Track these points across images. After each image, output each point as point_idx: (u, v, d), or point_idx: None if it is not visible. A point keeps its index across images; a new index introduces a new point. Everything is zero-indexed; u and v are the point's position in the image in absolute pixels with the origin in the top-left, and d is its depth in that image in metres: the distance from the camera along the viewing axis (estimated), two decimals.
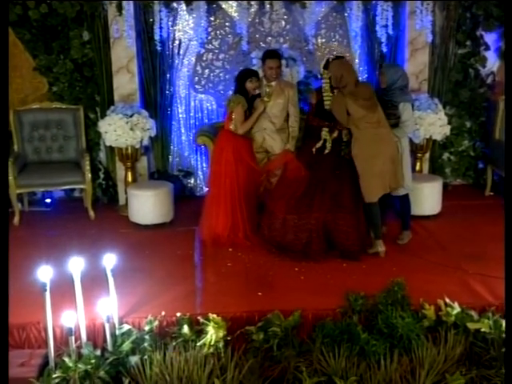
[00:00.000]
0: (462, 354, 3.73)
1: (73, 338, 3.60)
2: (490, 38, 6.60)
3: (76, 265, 3.74)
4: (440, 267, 4.69)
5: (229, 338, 3.79)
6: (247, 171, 5.25)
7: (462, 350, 3.73)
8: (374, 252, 4.95)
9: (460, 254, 4.96)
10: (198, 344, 3.72)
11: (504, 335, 3.77)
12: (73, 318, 3.60)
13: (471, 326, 3.84)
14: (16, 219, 5.84)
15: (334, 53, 5.37)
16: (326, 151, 5.15)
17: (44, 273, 3.58)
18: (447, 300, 3.98)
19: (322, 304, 4.06)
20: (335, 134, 5.13)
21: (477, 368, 3.68)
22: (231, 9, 6.39)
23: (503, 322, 3.83)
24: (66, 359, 3.56)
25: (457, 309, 3.93)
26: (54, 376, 3.50)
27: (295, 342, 3.80)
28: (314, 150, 5.17)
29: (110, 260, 3.89)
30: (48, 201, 6.43)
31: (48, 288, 3.58)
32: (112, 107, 6.01)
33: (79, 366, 3.52)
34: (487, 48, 6.62)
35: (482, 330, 3.83)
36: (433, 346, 3.69)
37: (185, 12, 6.18)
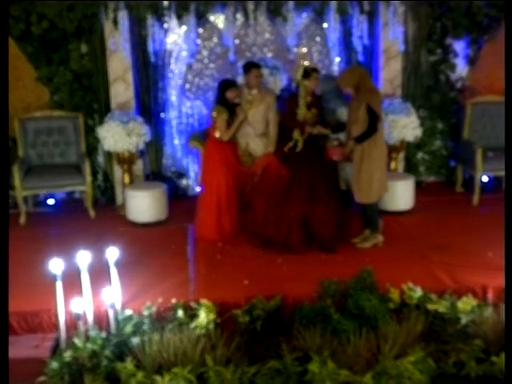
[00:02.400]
0: (422, 331, 4.14)
1: (81, 322, 4.03)
2: (458, 45, 7.02)
3: (83, 258, 4.18)
4: (408, 257, 5.16)
5: (218, 321, 4.21)
6: (234, 174, 5.71)
7: (422, 328, 4.14)
8: (374, 244, 5.36)
9: (428, 245, 5.41)
10: (191, 326, 4.13)
11: (460, 315, 4.26)
12: (80, 305, 4.02)
13: (431, 307, 4.30)
14: (22, 219, 6.26)
15: (306, 63, 5.80)
16: (297, 150, 5.61)
17: (55, 265, 4.03)
18: (410, 285, 4.44)
19: (300, 290, 4.50)
20: (306, 135, 5.61)
21: (435, 343, 4.11)
22: (219, 22, 6.73)
23: (459, 303, 4.31)
24: (76, 340, 3.98)
25: (419, 292, 4.39)
26: (66, 355, 3.92)
27: (276, 323, 4.23)
28: (286, 149, 5.64)
29: (112, 253, 4.33)
30: (51, 202, 6.84)
31: (59, 278, 4.04)
32: (109, 114, 6.40)
33: (88, 346, 3.94)
34: (456, 55, 7.05)
35: (440, 310, 4.27)
36: (397, 325, 4.12)
37: (175, 25, 6.52)
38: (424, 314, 4.27)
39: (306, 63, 5.66)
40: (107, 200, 6.96)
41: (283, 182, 5.47)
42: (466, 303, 4.33)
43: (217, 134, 5.70)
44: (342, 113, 5.56)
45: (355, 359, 3.93)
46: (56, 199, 6.92)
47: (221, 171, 5.68)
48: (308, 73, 5.52)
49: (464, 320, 4.23)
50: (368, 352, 3.97)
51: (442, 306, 4.31)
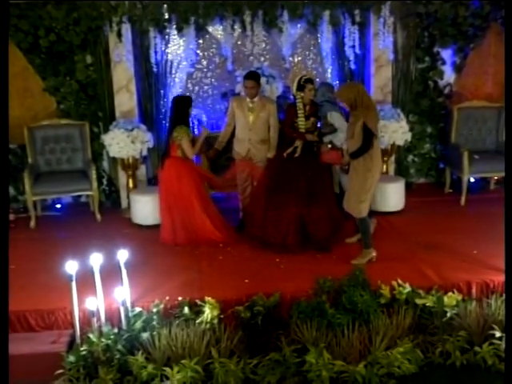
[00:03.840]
0: (411, 324, 4.46)
1: (95, 319, 4.35)
2: (445, 53, 7.37)
3: (96, 259, 4.47)
4: (398, 255, 5.46)
5: (222, 316, 4.49)
6: (200, 184, 5.92)
7: (411, 321, 4.47)
8: (369, 259, 5.34)
9: (417, 244, 5.72)
10: (197, 321, 4.43)
11: (446, 309, 4.56)
12: (94, 303, 4.34)
13: (419, 301, 4.60)
14: (32, 223, 6.56)
15: (303, 72, 6.06)
16: (296, 155, 5.90)
17: (70, 266, 4.32)
18: (400, 281, 4.75)
19: (297, 287, 4.79)
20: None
21: (423, 335, 4.43)
22: (217, 33, 7.07)
23: (445, 298, 4.62)
24: (91, 336, 4.28)
25: (408, 288, 4.69)
26: (82, 349, 4.23)
27: (276, 318, 4.53)
28: (285, 154, 5.92)
29: (123, 255, 4.62)
30: (58, 206, 7.15)
31: (74, 279, 4.33)
32: (114, 122, 6.71)
33: (102, 340, 4.26)
34: (443, 63, 7.39)
35: (428, 304, 4.58)
36: (387, 318, 4.44)
37: (176, 36, 6.82)
38: (412, 308, 4.58)
39: (301, 74, 5.95)
40: (112, 204, 7.27)
41: (272, 183, 5.76)
42: (452, 298, 4.64)
43: (179, 154, 5.78)
44: (333, 116, 5.80)
45: (349, 350, 4.24)
46: (63, 203, 7.22)
47: (185, 184, 5.80)
48: (302, 85, 5.74)
49: (449, 313, 4.54)
50: (361, 344, 4.29)
51: (429, 301, 4.61)
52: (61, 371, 4.16)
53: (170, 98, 7.11)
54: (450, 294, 4.70)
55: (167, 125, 6.05)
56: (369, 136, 5.09)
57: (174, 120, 5.80)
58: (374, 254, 5.41)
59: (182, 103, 5.84)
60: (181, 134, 5.72)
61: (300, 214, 5.59)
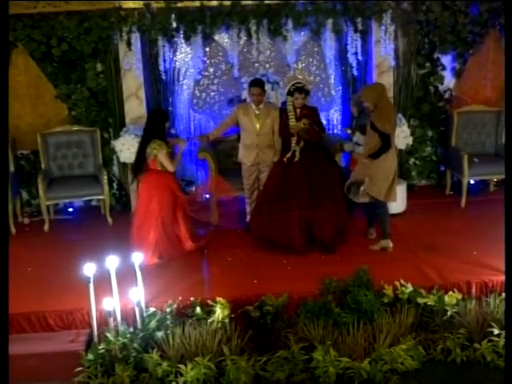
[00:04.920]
0: (413, 322, 4.67)
1: (111, 319, 4.57)
2: (445, 59, 7.51)
3: (112, 262, 4.67)
4: (400, 256, 5.65)
5: (232, 316, 4.70)
6: (172, 197, 5.80)
7: (413, 320, 4.68)
8: (382, 248, 5.79)
9: (418, 245, 5.90)
10: (209, 321, 4.63)
11: (447, 308, 4.76)
12: (111, 304, 4.56)
13: (420, 300, 4.80)
14: (46, 227, 6.75)
15: (299, 78, 6.30)
16: (296, 159, 6.09)
17: (88, 269, 4.53)
18: (402, 281, 4.94)
19: (304, 287, 4.99)
20: (302, 144, 6.07)
21: (425, 333, 4.64)
22: (223, 41, 7.25)
23: (445, 297, 4.82)
24: (108, 335, 4.50)
25: (410, 288, 4.88)
26: (100, 348, 4.46)
27: (284, 317, 4.73)
28: (285, 159, 6.12)
29: (137, 257, 4.85)
30: (70, 210, 7.33)
31: (91, 281, 4.54)
32: (124, 129, 6.90)
33: (118, 339, 4.47)
34: (444, 68, 7.53)
35: (429, 303, 4.78)
36: (390, 317, 4.64)
37: (184, 45, 7.00)
38: (414, 307, 4.79)
39: (297, 81, 6.17)
40: (122, 207, 7.44)
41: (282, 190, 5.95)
42: (452, 297, 4.85)
43: (158, 167, 5.70)
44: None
45: (354, 348, 4.45)
46: (74, 207, 7.41)
47: (161, 196, 5.73)
48: (291, 92, 5.99)
49: (450, 312, 4.75)
50: (365, 341, 4.51)
51: (430, 300, 4.81)
52: (80, 369, 4.38)
53: (178, 104, 7.38)
54: (450, 293, 4.90)
55: (140, 139, 5.96)
56: (387, 136, 5.42)
57: (147, 134, 5.74)
58: (391, 244, 5.72)
59: (157, 117, 5.82)
60: (157, 149, 5.61)
61: (304, 217, 5.76)
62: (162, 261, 5.74)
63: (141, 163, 5.82)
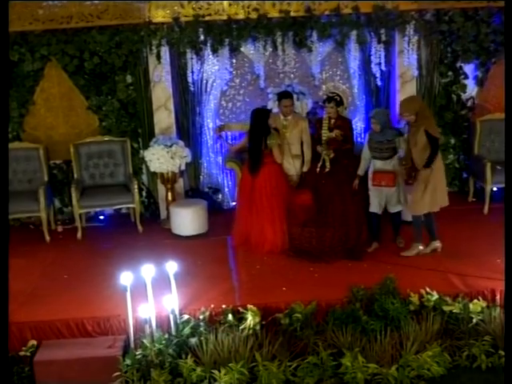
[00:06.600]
0: (439, 329, 4.80)
1: (147, 325, 4.77)
2: (468, 68, 7.60)
3: (147, 271, 4.87)
4: (425, 264, 5.73)
5: (263, 323, 4.86)
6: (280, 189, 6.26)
7: (439, 327, 4.80)
8: (432, 249, 6.00)
9: (442, 253, 5.99)
10: (241, 327, 4.79)
11: (472, 315, 4.88)
12: (146, 311, 4.77)
13: (446, 308, 4.92)
14: (79, 234, 6.95)
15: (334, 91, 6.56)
16: (327, 170, 6.26)
17: (125, 277, 4.74)
18: (428, 289, 5.06)
19: (332, 295, 5.13)
20: (332, 155, 6.24)
21: (450, 340, 4.76)
22: (249, 52, 7.41)
23: (470, 305, 4.93)
24: (144, 341, 4.69)
25: (435, 296, 5.00)
26: (137, 353, 4.64)
27: (313, 324, 4.87)
28: (317, 169, 6.30)
29: (172, 266, 5.03)
30: (101, 217, 7.54)
31: (128, 289, 4.75)
32: (154, 139, 7.09)
33: (154, 345, 4.66)
34: (466, 77, 7.61)
35: (454, 311, 4.90)
36: (416, 324, 4.77)
37: (211, 57, 7.19)
38: (440, 314, 4.91)
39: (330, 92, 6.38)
40: (151, 215, 7.63)
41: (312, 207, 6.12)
42: (477, 305, 4.96)
43: (278, 160, 6.27)
44: (400, 141, 6.01)
45: (382, 354, 4.60)
46: (105, 215, 7.61)
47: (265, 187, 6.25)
48: (324, 100, 6.26)
49: (475, 319, 4.87)
50: (392, 348, 4.65)
51: (455, 308, 4.94)
52: (118, 373, 4.56)
53: (205, 114, 7.56)
54: (475, 301, 5.01)
55: (248, 135, 6.34)
56: (435, 142, 5.62)
57: (257, 130, 6.18)
58: (439, 244, 6.00)
59: (262, 115, 6.24)
60: (273, 142, 6.16)
61: (338, 235, 5.94)
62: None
63: (260, 158, 6.22)
